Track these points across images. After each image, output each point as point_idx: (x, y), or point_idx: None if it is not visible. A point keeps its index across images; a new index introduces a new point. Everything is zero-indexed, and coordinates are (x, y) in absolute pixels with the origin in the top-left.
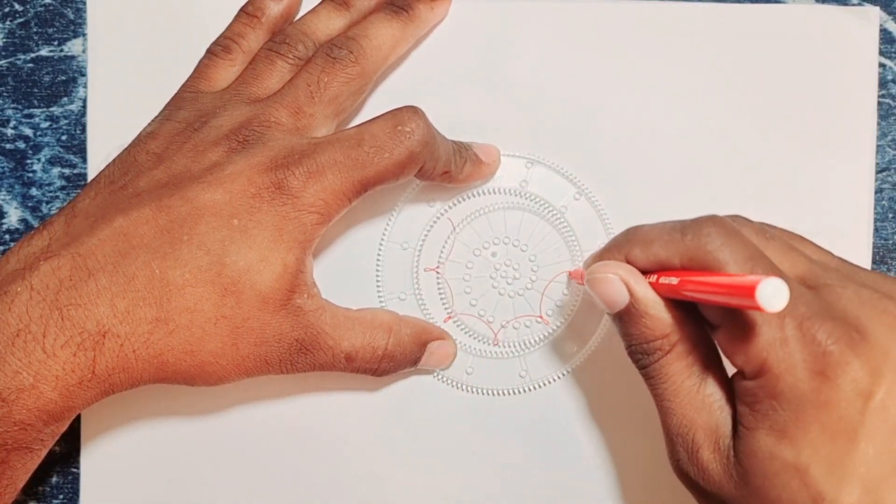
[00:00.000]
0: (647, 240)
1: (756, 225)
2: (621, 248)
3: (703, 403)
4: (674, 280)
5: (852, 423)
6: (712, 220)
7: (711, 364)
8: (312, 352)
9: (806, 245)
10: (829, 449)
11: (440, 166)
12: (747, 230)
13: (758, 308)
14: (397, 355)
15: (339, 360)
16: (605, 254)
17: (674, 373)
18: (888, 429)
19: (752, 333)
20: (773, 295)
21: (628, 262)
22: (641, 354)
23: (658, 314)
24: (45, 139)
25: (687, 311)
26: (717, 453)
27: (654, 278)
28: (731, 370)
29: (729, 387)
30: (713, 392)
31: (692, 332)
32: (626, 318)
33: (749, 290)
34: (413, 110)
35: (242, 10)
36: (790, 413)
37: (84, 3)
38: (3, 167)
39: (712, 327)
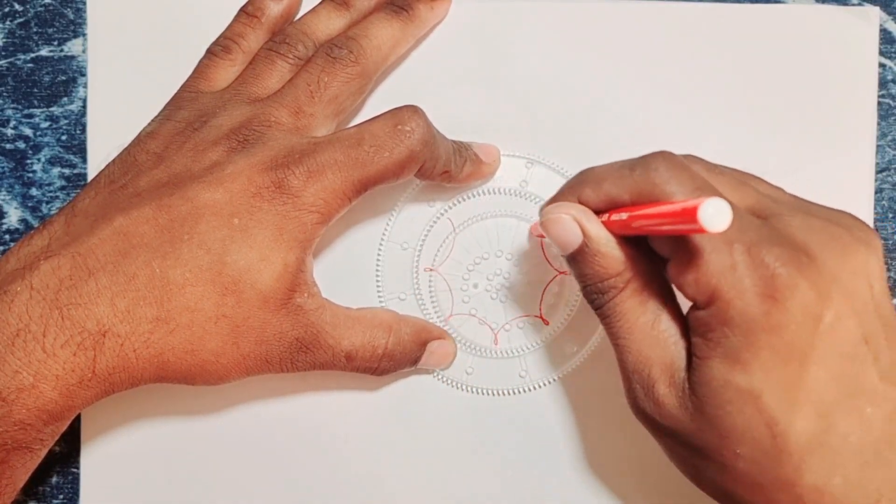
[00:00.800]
0: (598, 179)
1: (707, 162)
2: (574, 189)
3: (657, 339)
4: (623, 216)
5: (803, 347)
6: (661, 154)
7: (666, 300)
8: (313, 351)
9: (759, 182)
10: (781, 374)
11: (440, 166)
12: (697, 166)
13: (701, 230)
14: (397, 354)
15: (339, 359)
16: (559, 196)
17: (628, 310)
18: (839, 353)
19: (702, 262)
20: (714, 215)
21: (581, 202)
22: (596, 294)
23: (611, 252)
24: (45, 139)
25: (640, 249)
26: (673, 387)
27: (606, 217)
28: (685, 307)
29: (684, 322)
30: (668, 327)
31: (645, 268)
32: (579, 258)
33: (691, 213)
34: (413, 109)
35: (242, 10)
36: (741, 339)
37: (84, 3)
38: (3, 167)
39: (664, 261)
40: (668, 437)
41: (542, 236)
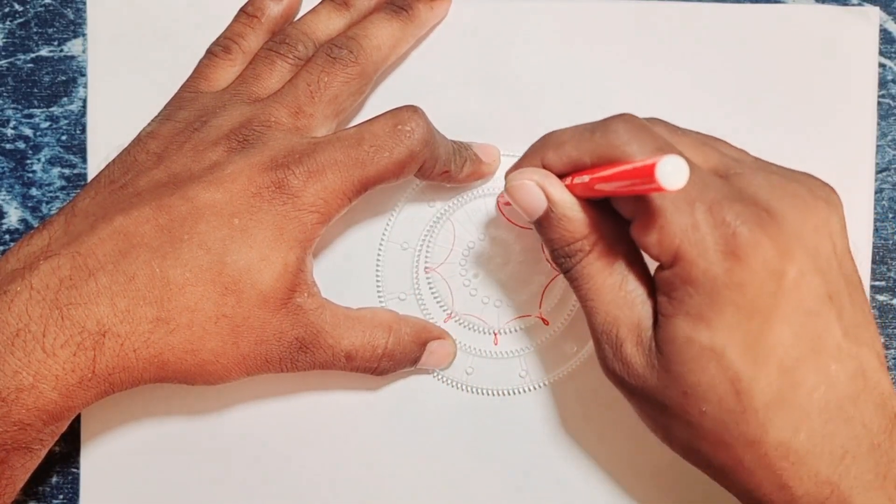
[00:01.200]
0: (560, 142)
1: (669, 124)
2: (536, 153)
3: (625, 300)
4: (586, 178)
5: (766, 304)
6: (621, 116)
7: (632, 261)
8: (313, 350)
9: (722, 143)
10: (745, 330)
11: (440, 165)
12: (659, 127)
13: (659, 188)
14: (397, 354)
15: (339, 359)
16: (522, 161)
17: (595, 272)
18: (803, 309)
19: (664, 222)
20: (672, 172)
21: (544, 166)
22: (564, 258)
23: (575, 215)
24: (45, 139)
25: (604, 211)
26: (640, 346)
27: (569, 180)
28: (653, 267)
29: (650, 282)
30: (634, 288)
31: (611, 230)
32: (545, 223)
33: (649, 171)
34: (413, 109)
35: (242, 10)
36: (705, 297)
37: (84, 3)
38: (3, 167)
39: (628, 223)
40: (637, 396)
41: (509, 204)
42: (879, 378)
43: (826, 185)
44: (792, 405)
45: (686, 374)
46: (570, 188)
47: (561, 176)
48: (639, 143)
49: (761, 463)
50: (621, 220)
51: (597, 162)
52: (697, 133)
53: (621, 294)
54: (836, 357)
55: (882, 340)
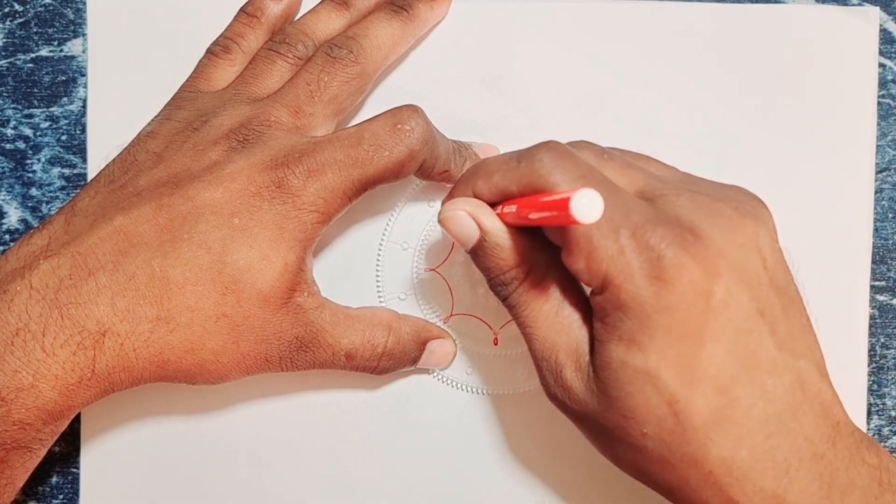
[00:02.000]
0: (489, 171)
1: (597, 147)
2: (467, 182)
3: (562, 325)
4: (513, 208)
5: (696, 325)
6: (546, 145)
7: (567, 287)
8: (312, 349)
9: (649, 162)
10: (677, 352)
11: (440, 164)
12: (586, 153)
13: (574, 221)
14: (396, 353)
15: (338, 358)
16: (454, 191)
17: (531, 299)
18: (734, 328)
19: (591, 248)
20: (587, 205)
21: (475, 195)
22: (500, 286)
23: (507, 244)
24: (45, 139)
25: (537, 238)
26: (579, 371)
27: (500, 209)
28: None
29: (587, 306)
30: (570, 314)
31: (544, 257)
32: (479, 252)
33: (564, 205)
34: (412, 108)
35: (242, 10)
36: (636, 321)
37: (84, 3)
38: (3, 167)
39: (559, 249)
40: (580, 420)
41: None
42: (820, 388)
43: (754, 198)
44: (731, 422)
45: (623, 397)
46: (501, 217)
47: (492, 205)
48: (562, 171)
49: (707, 481)
50: (554, 246)
51: (523, 191)
52: (624, 154)
53: (558, 320)
54: (771, 371)
55: (882, 340)
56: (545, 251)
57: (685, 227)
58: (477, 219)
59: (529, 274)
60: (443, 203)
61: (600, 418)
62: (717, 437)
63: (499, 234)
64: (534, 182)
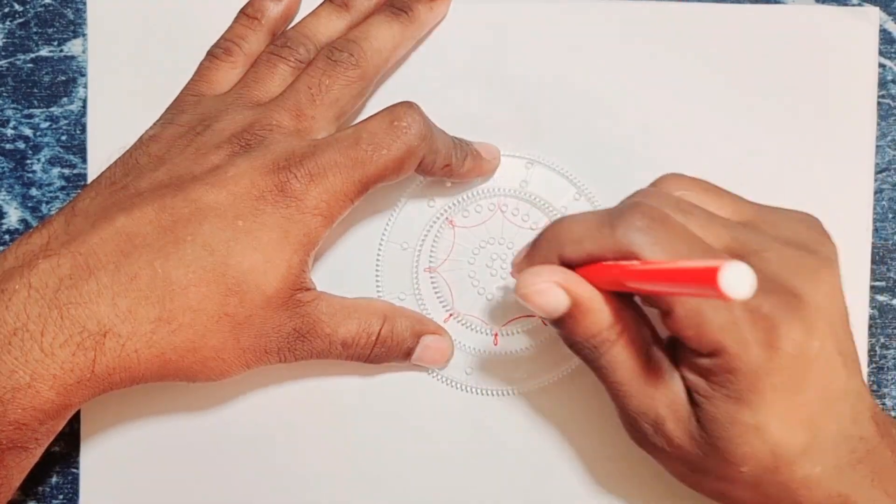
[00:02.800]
0: (577, 238)
1: (673, 200)
2: (551, 249)
3: (658, 380)
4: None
5: (798, 378)
6: (640, 210)
7: (654, 339)
8: (310, 339)
9: (722, 200)
10: (781, 405)
11: (440, 160)
12: (669, 209)
13: (722, 297)
14: (389, 341)
15: (335, 347)
16: (534, 257)
17: (625, 359)
18: (824, 370)
19: (702, 319)
20: (737, 282)
21: (563, 263)
22: (589, 349)
23: (601, 307)
24: (45, 139)
25: (623, 297)
26: (680, 422)
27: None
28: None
29: (671, 354)
30: (661, 366)
31: (632, 315)
32: (568, 321)
33: (710, 279)
34: (408, 105)
35: (242, 11)
36: (746, 383)
37: (84, 3)
38: (3, 167)
39: (660, 312)
40: (674, 463)
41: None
42: (865, 392)
43: (817, 229)
44: (813, 449)
45: (730, 448)
46: (589, 279)
47: (576, 267)
48: (666, 242)
49: (784, 493)
50: (634, 303)
51: (619, 258)
52: (698, 208)
53: (652, 375)
54: (842, 398)
55: (882, 340)
56: (631, 308)
57: (787, 290)
58: (569, 289)
59: (621, 335)
60: (517, 266)
61: (698, 461)
62: (802, 462)
63: (593, 300)
64: (633, 252)
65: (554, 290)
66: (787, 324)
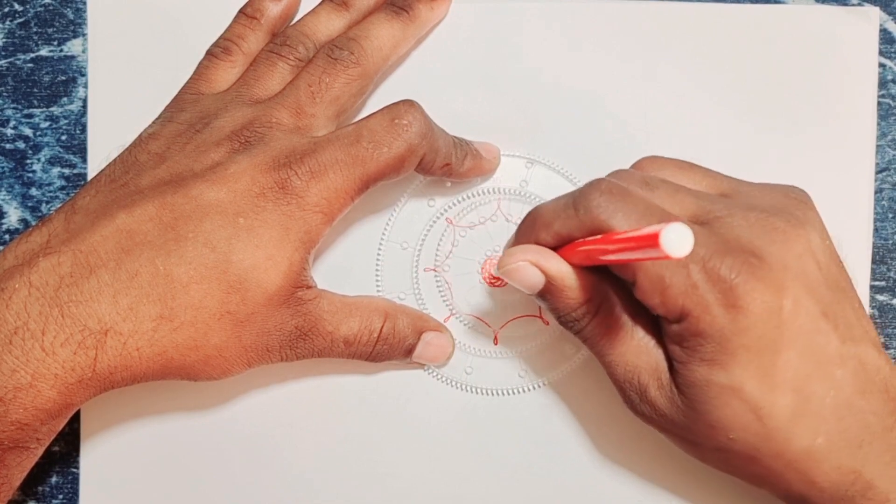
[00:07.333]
0: (547, 221)
1: (639, 176)
2: (527, 234)
3: (639, 348)
4: (586, 248)
5: (772, 338)
6: (597, 187)
7: (637, 311)
8: (311, 338)
9: (694, 173)
10: (757, 365)
11: (440, 158)
12: (634, 185)
13: (666, 256)
14: (391, 339)
15: (337, 345)
16: (516, 242)
17: (606, 329)
18: (803, 333)
19: (664, 285)
20: (678, 240)
21: (539, 244)
22: (572, 322)
23: (575, 283)
24: (45, 139)
25: (603, 272)
26: (661, 389)
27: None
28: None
29: (656, 326)
30: (644, 336)
31: (612, 288)
32: (547, 295)
33: (653, 241)
34: (409, 103)
35: (241, 11)
36: (715, 344)
37: (84, 3)
38: (3, 167)
39: (629, 284)
40: (667, 430)
41: (496, 280)
42: (878, 364)
43: (800, 200)
44: (808, 415)
45: (710, 411)
46: (566, 257)
47: (556, 248)
48: (623, 213)
49: (789, 468)
50: (617, 277)
51: (586, 235)
52: (666, 182)
53: (634, 343)
54: (838, 363)
55: (882, 340)
56: (611, 282)
57: (748, 251)
58: (541, 266)
59: (600, 307)
60: (505, 248)
61: (688, 428)
62: (796, 430)
63: (566, 276)
64: (596, 226)
65: (528, 267)
66: (746, 283)
